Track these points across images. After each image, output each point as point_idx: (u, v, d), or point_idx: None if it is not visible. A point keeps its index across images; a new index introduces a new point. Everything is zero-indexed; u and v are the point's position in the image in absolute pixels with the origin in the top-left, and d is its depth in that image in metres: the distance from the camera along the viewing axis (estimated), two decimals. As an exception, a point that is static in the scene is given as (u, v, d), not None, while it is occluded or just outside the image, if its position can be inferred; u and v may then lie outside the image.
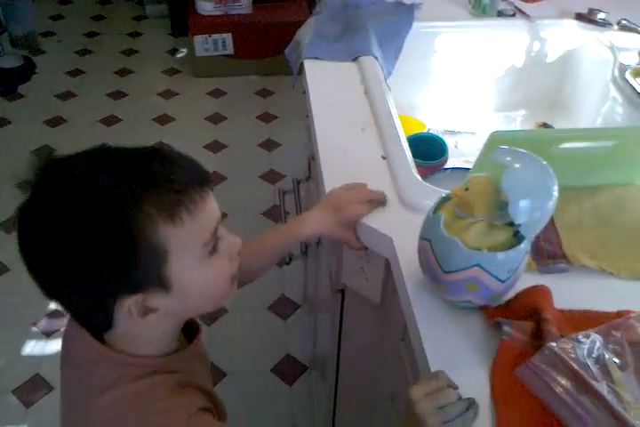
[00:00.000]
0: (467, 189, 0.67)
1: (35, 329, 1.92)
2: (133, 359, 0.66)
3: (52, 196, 0.57)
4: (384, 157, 0.96)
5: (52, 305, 1.98)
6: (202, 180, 0.62)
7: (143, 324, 0.62)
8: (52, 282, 0.60)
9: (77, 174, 0.58)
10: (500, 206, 0.68)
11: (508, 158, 0.64)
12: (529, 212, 0.63)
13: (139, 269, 0.58)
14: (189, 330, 0.75)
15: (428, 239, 0.69)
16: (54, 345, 1.87)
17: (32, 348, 1.87)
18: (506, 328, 0.67)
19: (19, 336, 1.89)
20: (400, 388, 0.93)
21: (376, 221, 0.85)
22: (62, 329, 1.89)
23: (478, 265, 0.65)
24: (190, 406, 0.64)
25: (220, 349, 1.79)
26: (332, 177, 0.93)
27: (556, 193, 0.63)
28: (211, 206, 0.62)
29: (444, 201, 0.72)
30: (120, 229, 0.56)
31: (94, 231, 0.56)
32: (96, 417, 0.65)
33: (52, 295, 0.62)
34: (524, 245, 0.66)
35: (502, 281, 0.67)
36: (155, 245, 0.57)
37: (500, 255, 0.65)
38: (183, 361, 0.70)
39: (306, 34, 1.28)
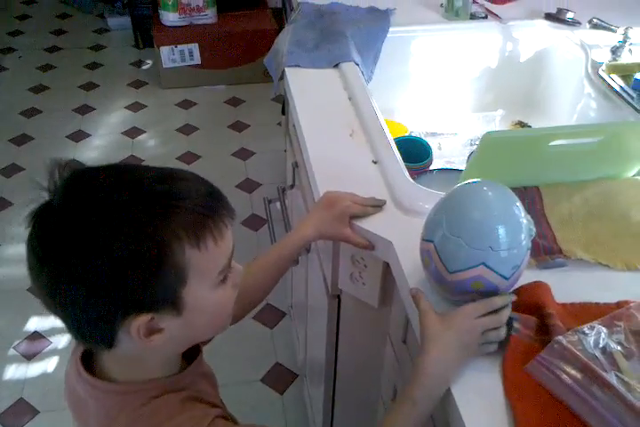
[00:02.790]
0: None
1: (15, 353, 1.87)
2: (134, 386, 0.65)
3: (81, 208, 0.57)
4: (375, 162, 0.96)
5: (32, 327, 1.94)
6: (226, 207, 0.63)
7: (145, 344, 0.60)
8: (66, 291, 0.57)
9: (106, 189, 0.57)
10: None
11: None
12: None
13: (158, 287, 0.58)
14: (190, 352, 0.73)
15: (431, 240, 0.70)
16: (36, 368, 1.84)
17: (13, 372, 1.82)
18: (515, 324, 0.68)
19: (-1, 360, 1.85)
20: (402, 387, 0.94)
21: (373, 224, 0.85)
22: (43, 351, 1.86)
23: (483, 264, 0.67)
24: (205, 416, 0.64)
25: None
26: (325, 184, 0.93)
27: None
28: (231, 234, 0.63)
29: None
30: (146, 244, 0.56)
31: (121, 245, 0.55)
32: None
33: (56, 306, 0.59)
34: (526, 242, 0.67)
35: (507, 278, 0.68)
36: (178, 266, 0.57)
37: (504, 253, 0.66)
38: (188, 380, 0.69)
39: (284, 42, 1.29)
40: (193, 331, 0.65)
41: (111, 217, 0.56)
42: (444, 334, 0.66)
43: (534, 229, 0.69)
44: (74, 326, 0.61)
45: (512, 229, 0.67)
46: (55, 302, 0.59)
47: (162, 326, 0.61)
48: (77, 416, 0.71)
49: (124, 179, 0.59)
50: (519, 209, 0.67)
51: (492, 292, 0.69)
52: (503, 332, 0.68)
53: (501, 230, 0.66)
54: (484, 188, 0.70)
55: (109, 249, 0.55)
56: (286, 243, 0.89)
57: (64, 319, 0.61)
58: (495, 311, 0.68)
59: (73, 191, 0.58)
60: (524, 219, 0.67)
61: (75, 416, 0.71)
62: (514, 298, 0.70)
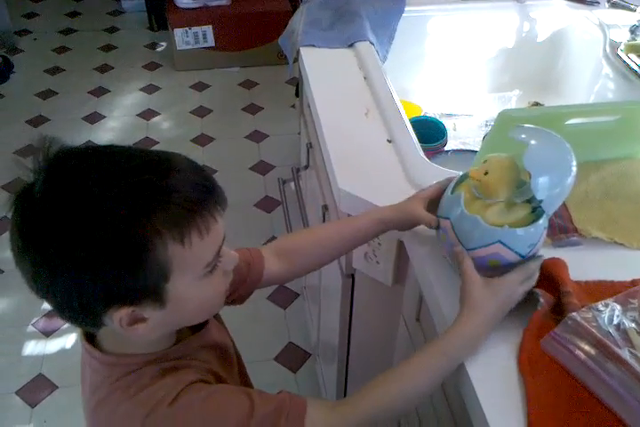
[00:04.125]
0: (486, 173, 0.68)
1: (34, 329, 1.91)
2: (122, 359, 0.65)
3: (62, 197, 0.55)
4: (389, 141, 0.97)
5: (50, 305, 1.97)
6: (217, 199, 0.60)
7: (130, 332, 0.60)
8: (46, 279, 0.57)
9: (89, 178, 0.55)
10: (518, 184, 0.69)
11: (526, 135, 0.65)
12: (549, 188, 0.64)
13: (139, 282, 0.56)
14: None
15: (447, 218, 0.70)
16: (54, 344, 1.87)
17: (33, 348, 1.86)
18: (540, 299, 0.69)
19: (18, 337, 1.88)
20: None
21: (387, 203, 0.85)
22: (61, 328, 1.89)
23: (500, 241, 0.67)
24: (176, 385, 0.62)
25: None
26: (340, 163, 0.93)
27: (574, 169, 0.64)
28: (221, 227, 0.61)
29: (460, 180, 0.73)
30: (126, 241, 0.54)
31: (101, 240, 0.54)
32: (92, 417, 0.66)
33: (38, 291, 0.58)
34: (543, 221, 0.68)
35: (523, 256, 0.68)
36: (160, 263, 0.56)
37: (520, 231, 0.67)
38: (179, 354, 0.68)
39: (299, 22, 1.28)
40: (179, 319, 0.65)
41: (92, 209, 0.54)
42: (489, 300, 0.67)
43: None
44: (58, 310, 0.60)
45: None
46: (38, 287, 0.58)
47: (145, 316, 0.60)
48: (81, 383, 0.72)
49: (111, 167, 0.56)
50: None
51: (509, 269, 0.70)
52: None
53: None
54: None
55: (87, 243, 0.53)
56: (361, 218, 0.82)
57: (48, 303, 0.60)
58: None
59: (54, 177, 0.55)
60: None
61: (81, 383, 0.72)
62: (543, 260, 0.71)
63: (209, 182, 0.60)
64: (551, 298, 0.70)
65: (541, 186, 0.64)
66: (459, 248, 0.70)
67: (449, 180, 0.77)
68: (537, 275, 0.70)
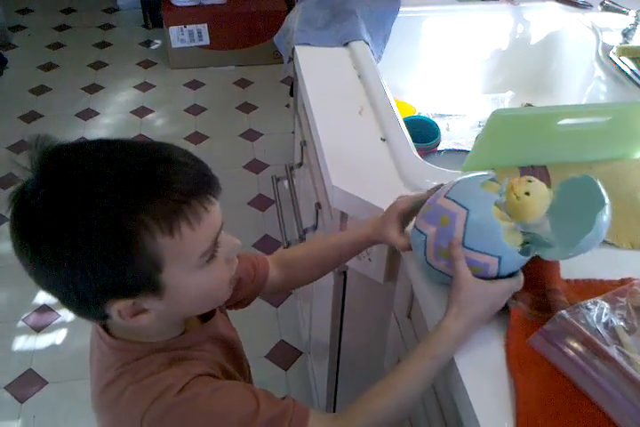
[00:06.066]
0: (527, 194, 0.68)
1: (24, 324, 1.91)
2: (130, 345, 0.66)
3: (52, 194, 0.56)
4: (383, 139, 0.97)
5: (41, 300, 1.97)
6: (208, 188, 0.60)
7: (133, 323, 0.61)
8: (44, 276, 0.59)
9: (78, 174, 0.56)
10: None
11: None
12: (565, 250, 0.68)
13: (131, 275, 0.57)
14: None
15: (465, 208, 0.67)
16: (45, 340, 1.87)
17: (23, 343, 1.86)
18: (511, 304, 0.70)
19: (8, 332, 1.88)
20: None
21: (381, 201, 0.86)
22: (52, 324, 1.89)
23: (500, 257, 0.66)
24: (184, 375, 0.63)
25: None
26: (334, 161, 0.94)
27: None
28: (214, 216, 0.60)
29: (490, 179, 0.70)
30: (114, 236, 0.55)
31: (89, 234, 0.55)
32: (99, 400, 0.67)
33: (43, 288, 0.61)
34: (529, 256, 0.69)
35: (499, 276, 0.69)
36: (150, 255, 0.56)
37: (520, 257, 0.67)
38: (187, 343, 0.69)
39: (294, 21, 1.29)
40: (181, 309, 0.66)
41: (80, 205, 0.55)
42: (479, 300, 0.67)
43: None
44: (62, 303, 0.62)
45: None
46: (39, 283, 0.60)
47: (146, 307, 0.61)
48: (90, 367, 0.73)
49: (100, 162, 0.57)
50: None
51: (482, 278, 0.69)
52: None
53: None
54: None
55: (76, 238, 0.55)
56: (341, 237, 0.88)
57: (53, 296, 0.61)
58: None
59: (45, 175, 0.56)
60: None
61: (89, 367, 0.73)
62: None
63: (202, 172, 0.61)
64: (527, 296, 0.71)
65: (562, 244, 0.68)
66: (457, 241, 0.67)
67: (436, 188, 0.75)
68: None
